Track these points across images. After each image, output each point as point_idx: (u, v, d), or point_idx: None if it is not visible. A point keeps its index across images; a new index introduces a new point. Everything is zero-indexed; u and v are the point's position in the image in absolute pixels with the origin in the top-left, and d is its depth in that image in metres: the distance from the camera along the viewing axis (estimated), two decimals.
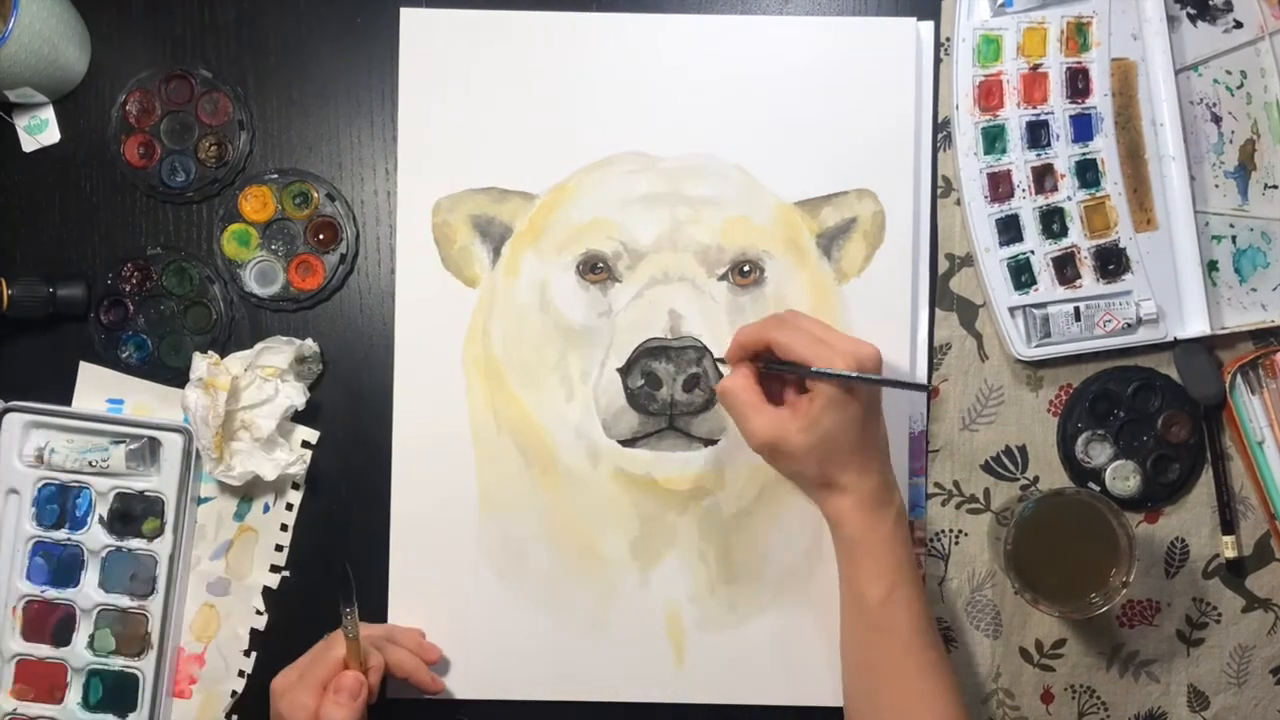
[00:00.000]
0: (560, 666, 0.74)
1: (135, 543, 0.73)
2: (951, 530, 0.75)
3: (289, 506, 0.75)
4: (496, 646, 0.74)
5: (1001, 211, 0.74)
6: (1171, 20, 0.73)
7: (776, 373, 0.68)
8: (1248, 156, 0.75)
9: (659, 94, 0.74)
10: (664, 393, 0.72)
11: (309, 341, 0.74)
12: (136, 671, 0.73)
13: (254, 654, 0.75)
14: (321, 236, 0.75)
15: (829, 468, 0.65)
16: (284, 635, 0.75)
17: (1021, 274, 0.73)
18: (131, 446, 0.73)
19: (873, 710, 0.67)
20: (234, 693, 0.75)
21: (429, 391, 0.74)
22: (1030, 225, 0.74)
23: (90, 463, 0.73)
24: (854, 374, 0.64)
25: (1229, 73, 0.74)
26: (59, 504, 0.73)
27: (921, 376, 0.75)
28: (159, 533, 0.73)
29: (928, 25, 0.75)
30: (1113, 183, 0.74)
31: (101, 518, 0.73)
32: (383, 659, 0.69)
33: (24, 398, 0.73)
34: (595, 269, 0.74)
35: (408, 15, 0.74)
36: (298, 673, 0.67)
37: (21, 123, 0.75)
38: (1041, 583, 0.69)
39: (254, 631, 0.75)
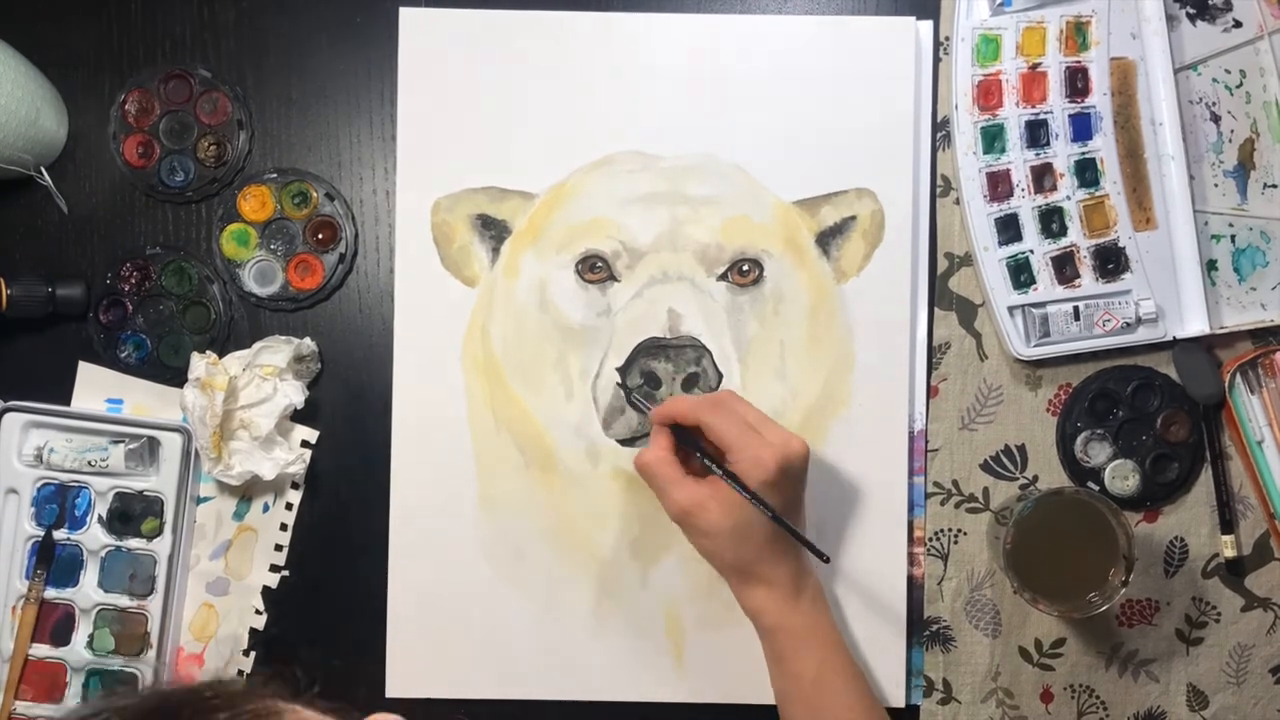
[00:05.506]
0: (560, 666, 0.74)
1: (134, 542, 0.73)
2: (950, 529, 0.75)
3: (288, 506, 0.75)
4: (496, 646, 0.74)
5: (1000, 211, 0.74)
6: (1171, 19, 0.73)
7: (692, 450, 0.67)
8: (1247, 156, 0.75)
9: (658, 93, 0.74)
10: (663, 392, 0.72)
11: (307, 340, 0.74)
12: (136, 671, 0.73)
13: (253, 654, 0.75)
14: (320, 236, 0.75)
15: (745, 553, 0.65)
16: (283, 635, 0.75)
17: (1020, 273, 0.73)
18: (130, 446, 0.73)
19: None
20: None
21: (428, 391, 0.74)
22: (1029, 224, 0.74)
23: (89, 462, 0.73)
24: (758, 497, 0.64)
25: (1228, 72, 0.74)
26: (58, 503, 0.73)
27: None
28: (158, 532, 0.73)
29: (927, 24, 0.75)
30: (1112, 182, 0.74)
31: (100, 517, 0.73)
32: None
33: (23, 397, 0.73)
34: (594, 268, 0.74)
35: (407, 15, 0.74)
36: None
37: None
38: (1040, 582, 0.69)
39: (253, 631, 0.75)
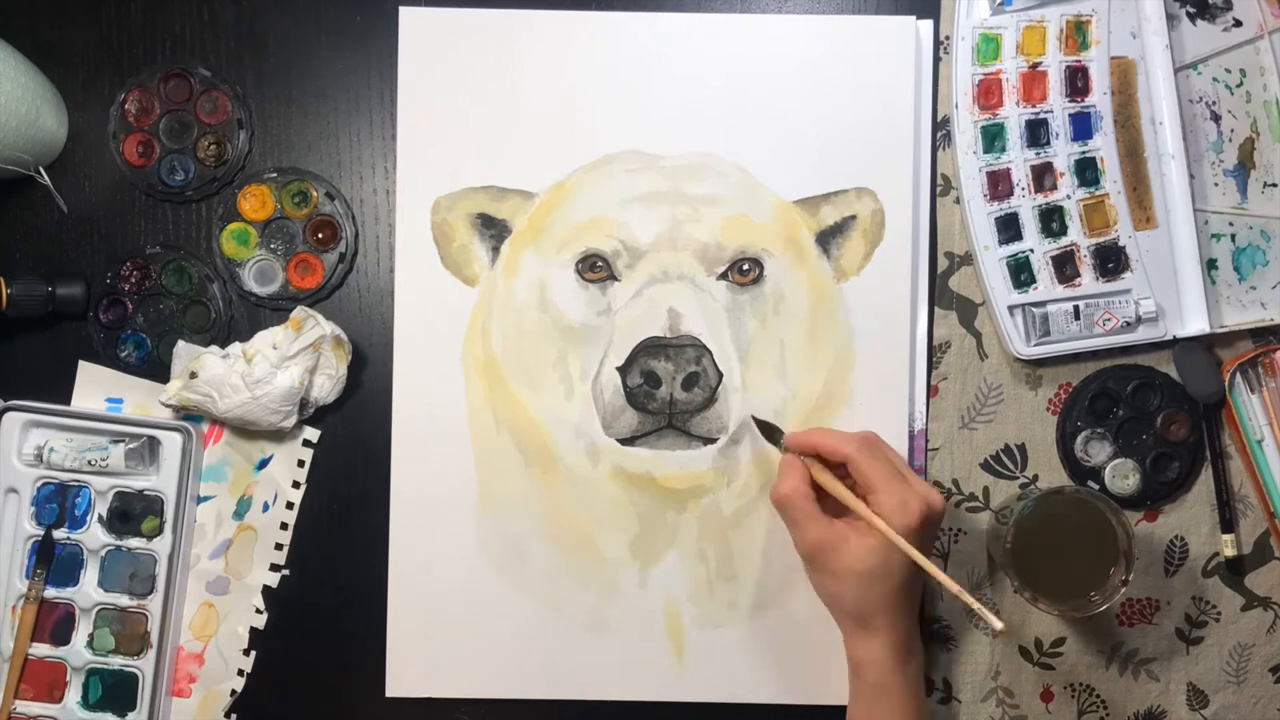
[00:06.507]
0: (560, 666, 0.74)
1: (134, 542, 0.73)
2: (950, 529, 0.75)
3: (289, 505, 0.75)
4: (496, 646, 0.74)
5: (1001, 210, 0.74)
6: (1171, 19, 0.73)
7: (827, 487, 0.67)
8: (1247, 155, 0.75)
9: (658, 93, 0.74)
10: (663, 391, 0.72)
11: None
12: (136, 670, 0.73)
13: (253, 653, 0.75)
14: (320, 235, 0.75)
15: (870, 601, 0.65)
16: (284, 634, 0.75)
17: (1021, 272, 0.73)
18: (130, 445, 0.73)
19: None
20: (233, 692, 0.75)
21: (428, 391, 0.74)
22: (1029, 223, 0.74)
23: (89, 462, 0.73)
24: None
25: (1228, 71, 0.74)
26: (58, 503, 0.73)
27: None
28: (158, 532, 0.73)
29: (927, 24, 0.75)
30: (1112, 181, 0.74)
31: (101, 517, 0.73)
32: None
33: (23, 397, 0.73)
34: (594, 267, 0.74)
35: (407, 14, 0.74)
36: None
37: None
38: (1041, 581, 0.69)
39: (253, 630, 0.75)
